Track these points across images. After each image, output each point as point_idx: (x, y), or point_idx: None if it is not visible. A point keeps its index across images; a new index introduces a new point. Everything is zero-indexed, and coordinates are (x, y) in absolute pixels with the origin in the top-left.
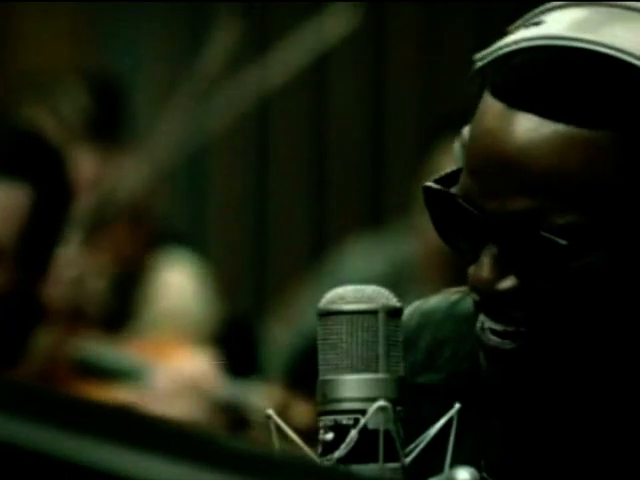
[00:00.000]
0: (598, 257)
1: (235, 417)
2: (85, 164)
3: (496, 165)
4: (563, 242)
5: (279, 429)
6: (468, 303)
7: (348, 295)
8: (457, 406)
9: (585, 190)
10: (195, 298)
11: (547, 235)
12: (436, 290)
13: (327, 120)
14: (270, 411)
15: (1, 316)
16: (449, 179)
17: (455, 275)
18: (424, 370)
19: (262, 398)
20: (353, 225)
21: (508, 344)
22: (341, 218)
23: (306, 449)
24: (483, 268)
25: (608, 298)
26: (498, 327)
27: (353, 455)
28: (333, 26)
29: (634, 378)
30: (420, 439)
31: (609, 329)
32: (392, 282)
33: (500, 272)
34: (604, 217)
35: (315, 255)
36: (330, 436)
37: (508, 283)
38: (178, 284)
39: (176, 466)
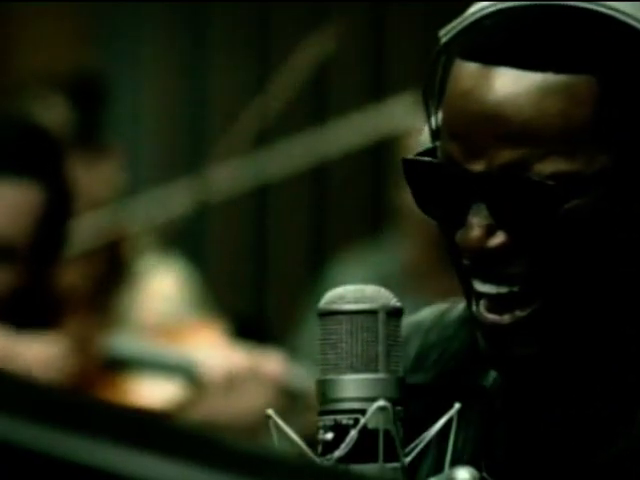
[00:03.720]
0: (585, 201)
1: (292, 403)
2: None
3: (477, 123)
4: (551, 183)
5: (279, 429)
6: (456, 311)
7: (348, 295)
8: (457, 406)
9: (566, 136)
10: (183, 303)
11: (535, 179)
12: (423, 298)
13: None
14: (270, 411)
15: (14, 314)
16: (426, 154)
17: (442, 282)
18: (413, 373)
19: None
20: (351, 237)
21: (506, 319)
22: (341, 230)
23: (306, 449)
24: (473, 228)
25: (599, 246)
26: (491, 289)
27: (353, 455)
28: None
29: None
30: (420, 439)
31: (603, 288)
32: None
33: (490, 230)
34: (588, 161)
35: (313, 270)
36: (330, 436)
37: (499, 239)
38: (166, 289)
39: (177, 466)
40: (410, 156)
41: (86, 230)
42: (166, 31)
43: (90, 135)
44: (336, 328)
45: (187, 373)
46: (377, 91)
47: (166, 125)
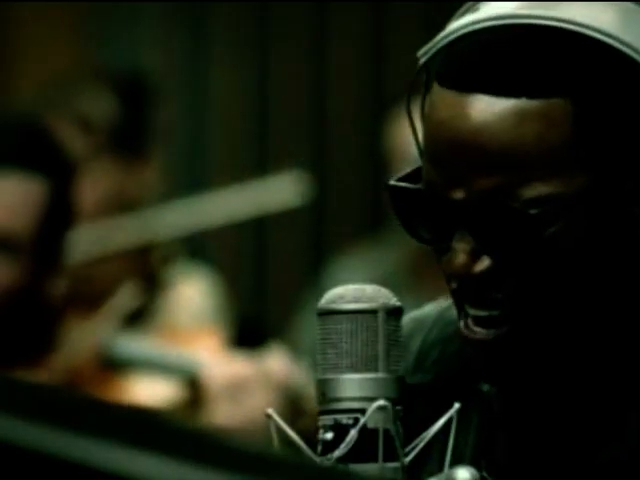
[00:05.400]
0: (567, 222)
1: (295, 407)
2: (107, 177)
3: (456, 152)
4: (534, 211)
5: (279, 429)
6: (455, 310)
7: (348, 294)
8: (457, 406)
9: (544, 160)
10: (207, 309)
11: (517, 207)
12: (423, 297)
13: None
14: (270, 411)
15: (16, 311)
16: (412, 176)
17: (442, 281)
18: (414, 372)
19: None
20: (351, 236)
21: (492, 333)
22: (340, 229)
23: (306, 449)
24: (457, 255)
25: (582, 268)
26: (481, 313)
27: (353, 454)
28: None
29: (623, 355)
30: (419, 439)
31: (591, 304)
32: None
33: (474, 256)
34: (567, 182)
35: (314, 269)
36: (330, 435)
37: (484, 265)
38: (191, 296)
39: (176, 466)
40: (393, 182)
41: (118, 232)
42: (166, 31)
43: (134, 136)
44: (336, 328)
45: (188, 376)
46: (377, 91)
47: (165, 124)
